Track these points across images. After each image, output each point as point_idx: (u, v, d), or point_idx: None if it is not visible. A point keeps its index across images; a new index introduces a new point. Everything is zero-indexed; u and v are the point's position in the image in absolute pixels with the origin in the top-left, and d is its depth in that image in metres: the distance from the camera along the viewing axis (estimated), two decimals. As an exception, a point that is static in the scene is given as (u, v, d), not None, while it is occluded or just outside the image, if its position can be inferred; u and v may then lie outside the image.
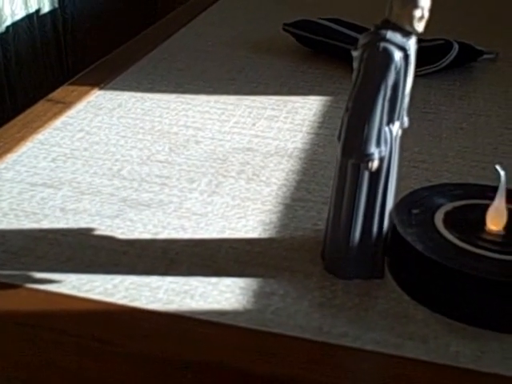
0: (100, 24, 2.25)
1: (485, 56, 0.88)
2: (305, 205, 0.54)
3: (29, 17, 1.82)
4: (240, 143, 0.64)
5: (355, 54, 0.43)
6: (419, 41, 0.80)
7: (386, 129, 0.44)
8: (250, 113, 0.70)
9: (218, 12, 1.06)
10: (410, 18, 0.42)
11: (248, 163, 0.60)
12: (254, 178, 0.58)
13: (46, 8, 1.90)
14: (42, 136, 0.63)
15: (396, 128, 0.45)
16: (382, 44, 0.42)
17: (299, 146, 0.64)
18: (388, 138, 0.44)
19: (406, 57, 0.43)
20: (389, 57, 0.42)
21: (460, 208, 0.49)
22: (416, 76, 0.79)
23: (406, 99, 0.45)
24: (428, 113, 0.73)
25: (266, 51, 0.89)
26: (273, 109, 0.72)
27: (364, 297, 0.45)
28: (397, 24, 0.42)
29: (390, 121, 0.44)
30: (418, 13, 0.42)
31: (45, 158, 0.59)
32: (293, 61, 0.86)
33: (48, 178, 0.56)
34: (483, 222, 0.46)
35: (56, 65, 1.96)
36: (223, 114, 0.70)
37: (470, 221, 0.47)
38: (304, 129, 0.67)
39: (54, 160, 0.59)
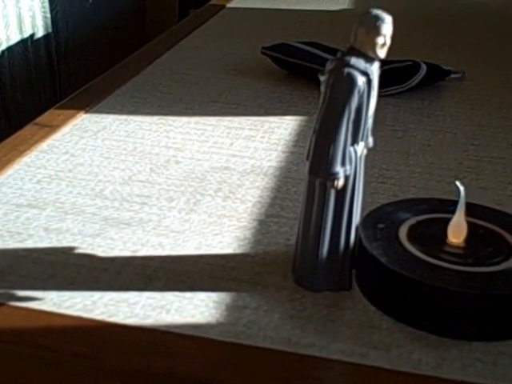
0: (92, 48, 2.26)
1: (452, 75, 0.89)
2: (278, 221, 0.55)
3: (23, 41, 1.83)
4: (218, 162, 0.64)
5: (322, 78, 0.44)
6: (389, 62, 0.82)
7: (351, 149, 0.44)
8: (229, 133, 0.71)
9: (200, 37, 1.07)
10: (373, 45, 0.43)
11: (225, 182, 0.61)
12: (231, 195, 0.58)
13: (40, 33, 1.90)
14: (28, 158, 0.63)
15: (361, 148, 0.45)
16: (347, 69, 0.42)
17: (274, 164, 0.64)
18: (353, 157, 0.44)
19: (369, 81, 0.43)
20: (352, 81, 0.42)
21: (423, 222, 0.49)
22: (386, 95, 0.81)
23: (370, 121, 0.45)
24: (397, 130, 0.73)
25: (245, 74, 0.89)
26: (250, 129, 0.72)
27: (332, 308, 0.45)
28: (361, 51, 0.43)
29: (355, 141, 0.44)
30: (380, 40, 0.42)
31: (30, 179, 0.60)
32: (270, 83, 0.86)
33: (33, 198, 0.56)
34: (445, 235, 0.47)
35: (49, 87, 1.96)
36: (203, 134, 0.70)
37: (432, 234, 0.48)
38: (279, 148, 0.68)
39: (39, 181, 0.59)
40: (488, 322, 0.43)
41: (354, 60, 0.43)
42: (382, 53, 0.43)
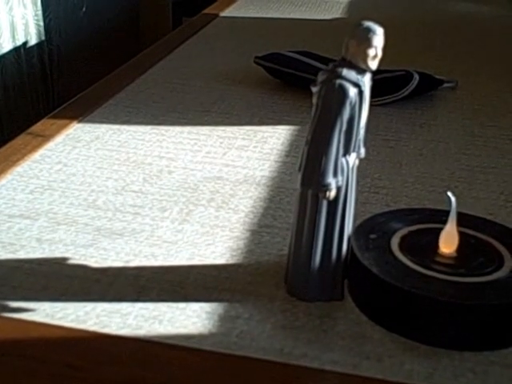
0: (85, 55, 2.26)
1: (445, 85, 0.89)
2: (271, 231, 0.55)
3: (16, 49, 1.83)
4: (211, 172, 0.64)
5: (314, 90, 0.45)
6: (382, 72, 0.82)
7: (343, 160, 0.45)
8: (222, 143, 0.71)
9: (194, 46, 1.07)
10: (365, 57, 0.43)
11: (218, 191, 0.61)
12: (223, 205, 0.59)
13: (33, 41, 1.91)
14: (21, 168, 0.63)
15: (352, 159, 0.45)
16: (338, 81, 0.43)
17: (267, 174, 0.65)
18: (345, 168, 0.45)
19: (361, 92, 0.44)
20: (344, 93, 0.43)
21: (415, 232, 0.50)
22: (379, 105, 0.82)
23: (362, 131, 0.46)
24: (389, 140, 0.74)
25: (239, 83, 0.90)
26: (243, 139, 0.72)
27: (324, 318, 0.45)
28: (352, 62, 0.43)
29: (347, 152, 0.45)
30: (371, 52, 0.43)
31: (23, 189, 0.60)
32: (263, 92, 0.87)
33: (25, 209, 0.57)
34: (436, 245, 0.47)
35: (42, 95, 1.96)
36: (196, 144, 0.71)
37: (424, 244, 0.48)
38: (272, 157, 0.68)
39: (31, 192, 0.59)
40: (479, 331, 0.43)
41: (345, 71, 0.43)
42: (373, 64, 0.43)
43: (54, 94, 2.01)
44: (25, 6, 1.84)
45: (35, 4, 1.88)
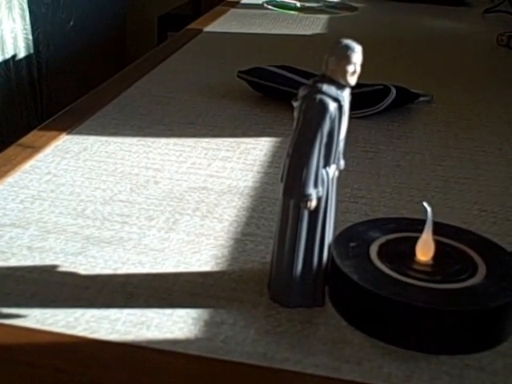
0: (73, 69, 2.26)
1: (420, 98, 0.90)
2: (254, 239, 0.56)
3: (5, 62, 1.83)
4: (196, 183, 0.65)
5: (295, 104, 0.45)
6: (361, 86, 0.83)
7: (323, 171, 0.45)
8: (206, 154, 0.71)
9: (179, 60, 1.08)
10: (344, 73, 0.44)
11: (203, 201, 0.61)
12: (208, 215, 0.59)
13: (22, 54, 1.90)
14: (11, 179, 0.63)
15: (332, 170, 0.46)
16: (319, 96, 0.43)
17: (250, 184, 0.65)
18: (325, 179, 0.45)
19: (340, 107, 0.44)
20: (324, 108, 0.43)
21: (393, 240, 0.50)
22: (358, 117, 0.82)
23: (341, 144, 0.46)
24: (368, 151, 0.74)
25: (222, 96, 0.90)
26: (227, 150, 0.73)
27: (306, 324, 0.46)
28: (332, 78, 0.44)
29: (327, 164, 0.45)
30: (350, 68, 0.43)
31: (13, 199, 0.60)
32: (246, 105, 0.87)
33: (16, 218, 0.57)
34: (413, 253, 0.48)
35: (31, 107, 1.96)
36: (181, 155, 0.71)
37: (401, 252, 0.49)
38: (255, 168, 0.69)
39: (22, 201, 0.59)
40: (455, 336, 0.44)
41: (325, 87, 0.44)
42: (352, 80, 0.44)
43: (43, 105, 2.01)
44: (14, 21, 1.83)
45: (24, 18, 1.88)
